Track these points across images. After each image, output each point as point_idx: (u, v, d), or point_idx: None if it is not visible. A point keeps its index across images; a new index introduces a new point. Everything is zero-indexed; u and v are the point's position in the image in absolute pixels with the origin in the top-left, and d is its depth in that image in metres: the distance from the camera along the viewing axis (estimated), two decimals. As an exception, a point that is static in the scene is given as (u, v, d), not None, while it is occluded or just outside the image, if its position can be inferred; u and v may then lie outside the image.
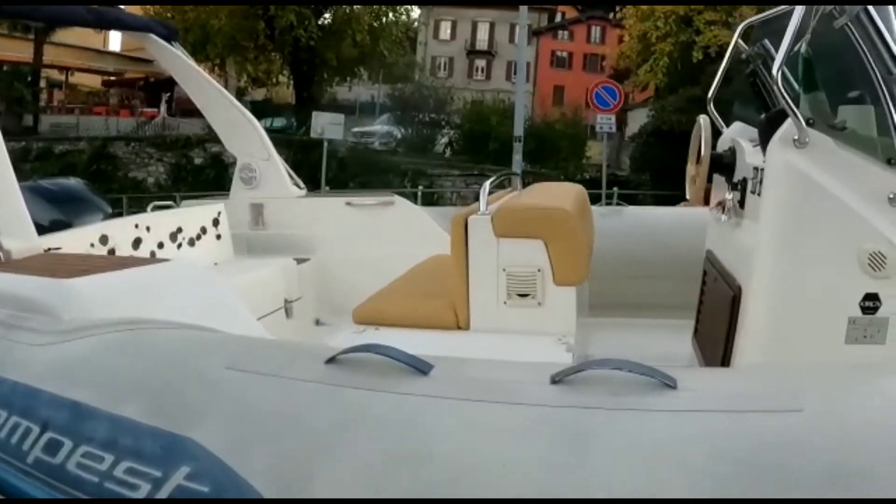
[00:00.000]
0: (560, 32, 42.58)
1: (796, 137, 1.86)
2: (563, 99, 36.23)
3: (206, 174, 18.82)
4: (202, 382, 1.33)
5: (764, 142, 2.13)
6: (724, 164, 2.52)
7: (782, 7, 2.63)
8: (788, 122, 1.88)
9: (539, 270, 2.52)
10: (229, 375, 1.32)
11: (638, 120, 18.69)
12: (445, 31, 39.43)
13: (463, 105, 25.96)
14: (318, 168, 15.40)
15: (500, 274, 2.54)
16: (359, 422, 1.15)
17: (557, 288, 2.53)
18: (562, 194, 3.02)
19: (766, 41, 2.74)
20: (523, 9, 15.02)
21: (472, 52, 40.52)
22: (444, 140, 23.52)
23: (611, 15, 22.00)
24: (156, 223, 3.69)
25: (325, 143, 15.74)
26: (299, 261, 4.26)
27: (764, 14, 2.98)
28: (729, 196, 2.41)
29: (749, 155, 2.38)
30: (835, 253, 1.83)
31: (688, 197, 3.00)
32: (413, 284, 3.13)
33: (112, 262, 2.50)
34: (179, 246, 3.93)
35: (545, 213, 2.56)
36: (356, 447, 1.11)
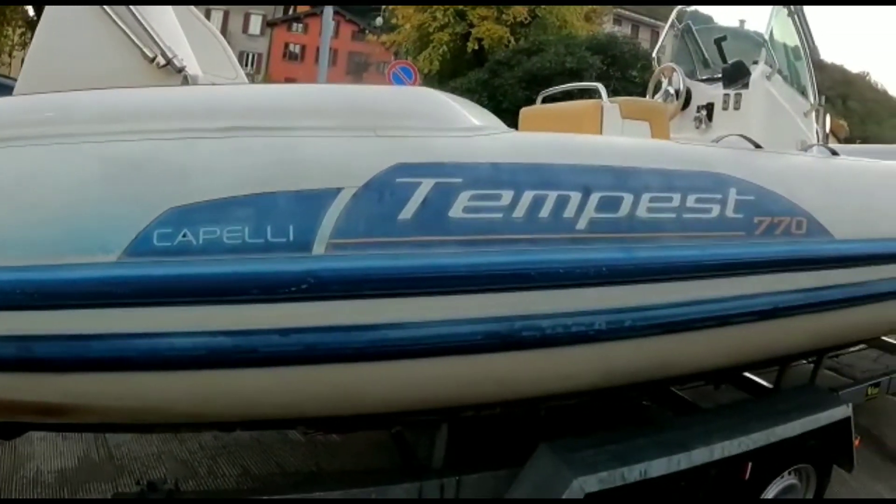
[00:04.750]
0: (294, 25, 42.95)
1: (768, 75, 3.74)
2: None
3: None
4: None
5: (730, 80, 3.93)
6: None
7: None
8: (760, 66, 3.74)
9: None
10: None
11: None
12: (177, 18, 37.48)
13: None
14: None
15: None
16: None
17: None
18: None
19: (690, 22, 4.61)
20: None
21: (206, 42, 39.13)
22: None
23: (377, 20, 23.51)
24: None
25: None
26: None
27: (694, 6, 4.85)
28: (704, 113, 4.07)
29: (708, 89, 4.07)
30: (789, 134, 3.78)
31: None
32: None
33: None
34: None
35: (652, 104, 3.98)
36: None
